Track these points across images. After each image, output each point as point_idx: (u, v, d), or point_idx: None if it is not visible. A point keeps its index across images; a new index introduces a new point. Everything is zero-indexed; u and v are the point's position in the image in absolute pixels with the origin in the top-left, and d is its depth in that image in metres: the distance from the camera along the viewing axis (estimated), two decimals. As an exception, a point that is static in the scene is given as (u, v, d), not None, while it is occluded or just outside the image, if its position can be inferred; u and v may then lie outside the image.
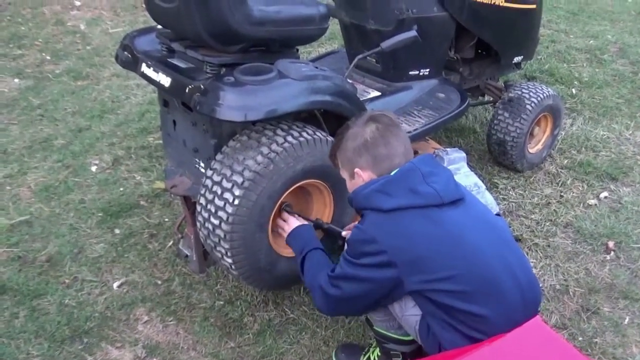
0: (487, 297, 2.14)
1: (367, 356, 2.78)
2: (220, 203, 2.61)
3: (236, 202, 2.57)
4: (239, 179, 2.57)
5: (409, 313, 2.32)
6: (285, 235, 2.73)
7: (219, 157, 2.71)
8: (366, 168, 2.32)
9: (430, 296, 2.16)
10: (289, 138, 2.66)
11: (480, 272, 2.15)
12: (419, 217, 2.14)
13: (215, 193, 2.64)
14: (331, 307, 2.35)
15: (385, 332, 2.54)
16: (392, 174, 2.25)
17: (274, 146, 2.62)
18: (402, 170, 2.23)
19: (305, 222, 2.76)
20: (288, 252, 2.94)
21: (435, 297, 2.16)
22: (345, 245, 2.38)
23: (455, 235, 2.15)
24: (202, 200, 2.71)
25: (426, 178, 2.18)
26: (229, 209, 2.59)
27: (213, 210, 2.65)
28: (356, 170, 2.34)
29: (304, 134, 2.72)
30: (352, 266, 2.22)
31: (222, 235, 2.64)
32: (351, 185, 2.41)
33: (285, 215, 2.81)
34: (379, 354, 2.71)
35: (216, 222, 2.64)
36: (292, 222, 2.74)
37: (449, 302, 2.14)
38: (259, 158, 2.58)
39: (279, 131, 2.70)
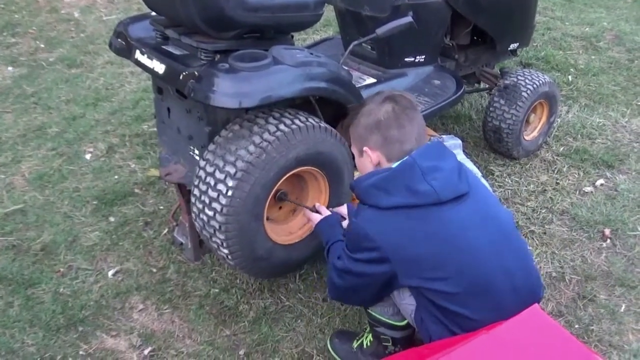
0: (480, 300, 2.15)
1: (359, 341, 2.78)
2: (214, 194, 2.60)
3: (229, 193, 2.56)
4: (232, 170, 2.56)
5: (405, 302, 2.34)
6: (313, 225, 2.80)
7: (211, 147, 2.69)
8: (375, 148, 2.31)
9: (425, 294, 2.17)
10: (281, 126, 2.64)
11: (474, 275, 2.14)
12: (415, 216, 2.13)
13: (208, 184, 2.63)
14: (337, 295, 2.42)
15: (378, 316, 2.54)
16: (393, 166, 2.23)
17: (266, 135, 2.60)
18: (401, 165, 2.20)
19: (333, 213, 2.80)
20: (285, 239, 2.94)
21: (430, 296, 2.16)
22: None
23: (452, 236, 2.13)
24: (196, 192, 2.70)
25: (426, 175, 2.13)
26: (223, 200, 2.57)
27: (207, 202, 2.64)
28: (365, 148, 2.34)
29: (296, 121, 2.70)
30: (349, 260, 2.25)
31: (217, 226, 2.63)
32: (359, 164, 2.43)
33: (318, 206, 2.86)
34: (371, 339, 2.71)
35: (210, 213, 2.63)
36: (324, 211, 2.81)
37: (441, 303, 2.15)
38: (251, 148, 2.57)
39: (270, 119, 2.68)
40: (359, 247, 2.19)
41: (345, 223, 2.73)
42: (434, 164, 2.18)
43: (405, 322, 2.52)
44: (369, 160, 2.33)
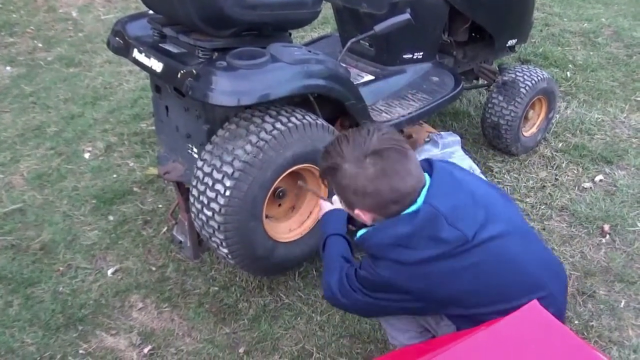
0: (533, 298, 2.03)
1: None
2: (212, 194, 2.60)
3: (227, 193, 2.56)
4: (229, 170, 2.56)
5: (444, 323, 2.22)
6: (321, 212, 2.59)
7: (208, 147, 2.70)
8: (369, 211, 2.02)
9: (470, 317, 2.06)
10: (278, 125, 2.64)
11: (521, 281, 2.06)
12: (444, 261, 1.95)
13: (206, 184, 2.63)
14: (341, 307, 2.26)
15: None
16: (411, 212, 1.96)
17: (262, 134, 2.60)
18: (420, 218, 1.92)
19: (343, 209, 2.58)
20: (284, 237, 2.95)
21: (478, 318, 2.02)
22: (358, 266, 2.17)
23: (489, 263, 2.00)
24: (195, 192, 2.71)
25: (449, 218, 1.93)
26: (221, 200, 2.58)
27: (205, 202, 2.64)
28: (357, 212, 2.04)
29: (293, 119, 2.70)
30: (367, 296, 2.08)
31: (216, 226, 2.64)
32: (353, 215, 2.13)
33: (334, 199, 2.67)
34: None
35: (209, 213, 2.64)
36: (328, 203, 2.57)
37: (490, 318, 1.99)
38: (248, 147, 2.57)
39: (267, 118, 2.68)
40: (381, 289, 2.04)
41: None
42: (453, 202, 1.98)
43: None
44: (362, 219, 2.07)
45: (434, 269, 1.95)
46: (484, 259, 1.98)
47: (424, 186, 1.99)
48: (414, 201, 1.97)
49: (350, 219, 2.45)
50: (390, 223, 1.98)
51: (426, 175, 2.03)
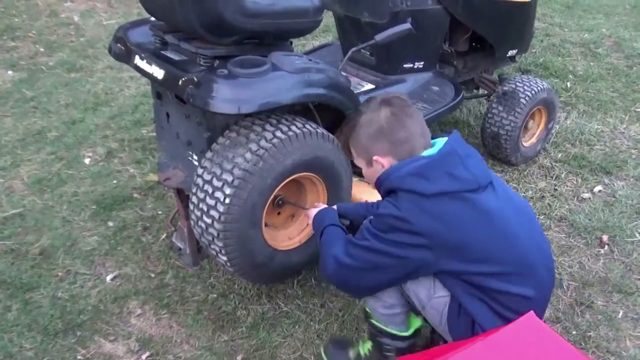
0: (527, 278, 2.19)
1: (356, 350, 2.70)
2: (212, 202, 2.61)
3: (227, 200, 2.57)
4: (229, 178, 2.56)
5: (438, 295, 2.28)
6: (310, 220, 2.72)
7: (208, 154, 2.70)
8: (385, 154, 2.27)
9: (469, 279, 2.17)
10: (278, 133, 2.65)
11: (518, 254, 2.18)
12: (457, 201, 2.11)
13: (206, 192, 2.63)
14: (342, 278, 2.30)
15: (382, 326, 2.49)
16: (427, 154, 2.21)
17: (262, 142, 2.60)
18: (441, 153, 2.18)
19: (330, 207, 2.75)
20: (283, 245, 2.95)
21: (475, 280, 2.17)
22: (369, 219, 2.31)
23: (493, 219, 2.14)
24: (194, 199, 2.71)
25: (464, 161, 2.16)
26: (221, 208, 2.58)
27: (205, 209, 2.64)
28: (375, 158, 2.29)
29: (293, 127, 2.70)
30: (379, 240, 2.16)
31: (215, 234, 2.64)
32: (370, 173, 2.37)
33: (317, 204, 2.82)
34: (370, 348, 2.63)
35: (209, 220, 2.64)
36: (314, 210, 2.73)
37: (490, 285, 2.16)
38: (248, 155, 2.57)
39: (267, 126, 2.68)
40: (394, 227, 2.12)
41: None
42: (468, 151, 2.23)
43: (411, 331, 2.52)
44: (381, 167, 2.28)
45: (445, 207, 2.10)
46: (488, 214, 2.14)
47: (430, 142, 2.29)
48: (426, 147, 2.27)
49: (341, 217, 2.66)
50: (413, 159, 2.20)
51: (442, 139, 2.28)
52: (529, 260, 2.20)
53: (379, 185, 2.30)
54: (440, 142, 2.27)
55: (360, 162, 2.42)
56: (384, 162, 2.28)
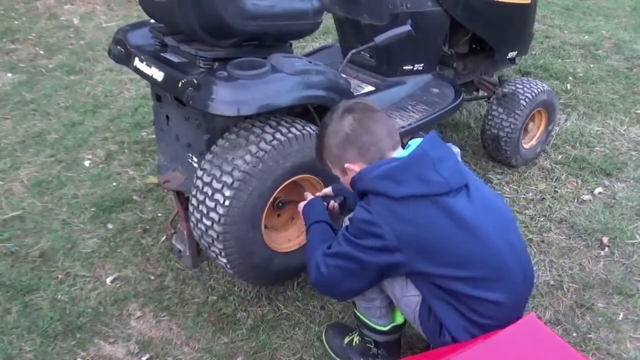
0: (498, 282, 2.19)
1: (351, 338, 2.81)
2: (212, 204, 2.61)
3: (227, 203, 2.57)
4: (229, 180, 2.56)
5: (410, 294, 2.33)
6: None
7: (208, 157, 2.70)
8: (355, 161, 2.27)
9: (438, 282, 2.19)
10: (278, 135, 2.65)
11: (491, 259, 2.18)
12: (428, 205, 2.13)
13: (206, 194, 2.64)
14: (324, 284, 2.33)
15: (364, 318, 2.58)
16: (399, 156, 2.23)
17: (262, 144, 2.61)
18: (412, 156, 2.19)
19: (315, 197, 2.73)
20: (283, 248, 2.95)
21: (444, 284, 2.18)
22: (347, 222, 2.37)
23: (465, 223, 2.14)
24: (194, 201, 2.71)
25: (435, 165, 2.15)
26: (220, 210, 2.58)
27: (205, 212, 2.64)
28: (346, 165, 2.30)
29: (293, 129, 2.71)
30: (352, 245, 2.20)
31: (215, 236, 2.64)
32: (346, 181, 2.38)
33: (305, 194, 2.79)
34: (359, 338, 2.75)
35: (208, 223, 2.64)
36: (308, 197, 2.72)
37: (457, 289, 2.17)
38: (248, 157, 2.58)
39: (267, 128, 2.69)
40: (367, 232, 2.16)
41: (331, 204, 2.75)
42: (440, 154, 2.22)
43: (389, 327, 2.57)
44: (354, 173, 2.29)
45: (415, 210, 2.13)
46: (459, 217, 2.14)
47: (399, 141, 2.33)
48: (395, 146, 2.29)
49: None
50: (384, 162, 2.22)
51: (418, 139, 2.30)
52: (502, 265, 2.20)
53: (353, 188, 2.34)
54: (416, 143, 2.28)
55: (336, 172, 2.42)
56: (355, 169, 2.28)
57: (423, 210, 2.13)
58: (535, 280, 3.18)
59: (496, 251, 2.19)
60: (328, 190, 2.82)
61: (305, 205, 2.66)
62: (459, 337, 2.22)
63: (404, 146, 2.33)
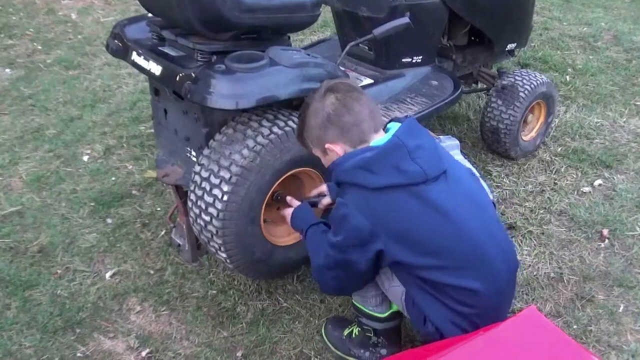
0: (478, 271, 2.20)
1: (350, 330, 2.81)
2: (210, 199, 2.61)
3: (225, 197, 2.57)
4: (227, 175, 2.56)
5: (396, 284, 2.37)
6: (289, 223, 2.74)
7: (206, 152, 2.70)
8: (336, 141, 2.27)
9: (417, 273, 2.21)
10: (275, 129, 2.65)
11: (469, 247, 2.19)
12: (404, 195, 2.14)
13: (204, 189, 2.64)
14: (334, 293, 2.47)
15: (361, 307, 2.61)
16: (372, 145, 2.23)
17: (259, 138, 2.60)
18: (387, 145, 2.18)
19: (302, 202, 2.74)
20: (282, 241, 2.95)
21: (421, 273, 2.20)
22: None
23: (443, 212, 2.15)
24: (193, 197, 2.71)
25: (412, 154, 2.14)
26: (219, 205, 2.58)
27: (203, 207, 2.64)
28: (327, 145, 2.29)
29: (290, 123, 2.70)
30: (336, 249, 2.24)
31: (214, 231, 2.64)
32: (327, 161, 2.38)
33: (283, 208, 2.81)
34: (359, 329, 2.76)
35: (207, 218, 2.64)
36: (289, 209, 2.72)
37: (436, 278, 2.19)
38: (245, 152, 2.57)
39: (264, 122, 2.69)
40: (345, 229, 2.19)
41: (325, 200, 2.75)
42: (417, 142, 2.19)
43: (387, 313, 2.58)
44: (335, 154, 2.28)
45: (392, 199, 2.14)
46: (436, 206, 2.15)
47: (384, 123, 2.34)
48: (377, 129, 2.28)
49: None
50: (360, 150, 2.22)
51: (397, 124, 2.30)
52: (482, 253, 2.21)
53: (330, 175, 2.33)
54: (395, 127, 2.27)
55: (317, 152, 2.42)
56: (336, 149, 2.27)
57: (399, 200, 2.14)
58: (535, 273, 3.21)
59: (474, 239, 2.20)
60: (323, 188, 2.81)
61: (293, 213, 2.68)
62: (442, 326, 2.26)
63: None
